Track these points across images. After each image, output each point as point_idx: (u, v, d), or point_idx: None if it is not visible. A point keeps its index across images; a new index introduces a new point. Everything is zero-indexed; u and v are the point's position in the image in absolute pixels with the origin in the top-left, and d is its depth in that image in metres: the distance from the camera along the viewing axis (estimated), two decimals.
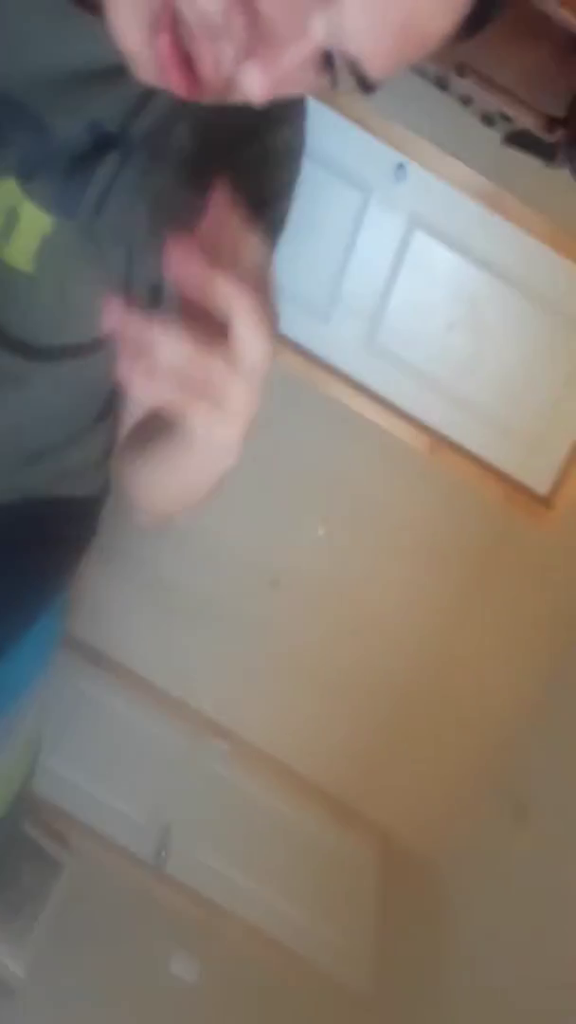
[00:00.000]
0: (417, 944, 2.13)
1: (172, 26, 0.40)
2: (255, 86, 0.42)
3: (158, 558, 2.23)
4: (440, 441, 1.64)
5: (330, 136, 1.40)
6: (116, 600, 2.34)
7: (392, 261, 1.49)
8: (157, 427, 0.61)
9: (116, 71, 0.48)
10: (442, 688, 2.18)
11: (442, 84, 1.19)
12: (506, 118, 1.21)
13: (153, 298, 0.57)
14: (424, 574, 2.04)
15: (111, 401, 0.80)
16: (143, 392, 0.40)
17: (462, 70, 1.10)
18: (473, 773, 2.22)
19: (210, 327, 0.41)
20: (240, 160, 0.56)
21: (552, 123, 1.18)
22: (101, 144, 0.51)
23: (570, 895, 1.69)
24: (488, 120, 1.21)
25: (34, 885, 1.85)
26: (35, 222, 0.53)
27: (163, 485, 0.65)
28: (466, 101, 1.19)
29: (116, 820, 2.07)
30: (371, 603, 2.11)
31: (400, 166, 1.41)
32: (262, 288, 0.41)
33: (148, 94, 0.51)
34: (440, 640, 2.13)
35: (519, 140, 1.25)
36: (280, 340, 0.52)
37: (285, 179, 0.61)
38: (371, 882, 2.30)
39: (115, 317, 0.39)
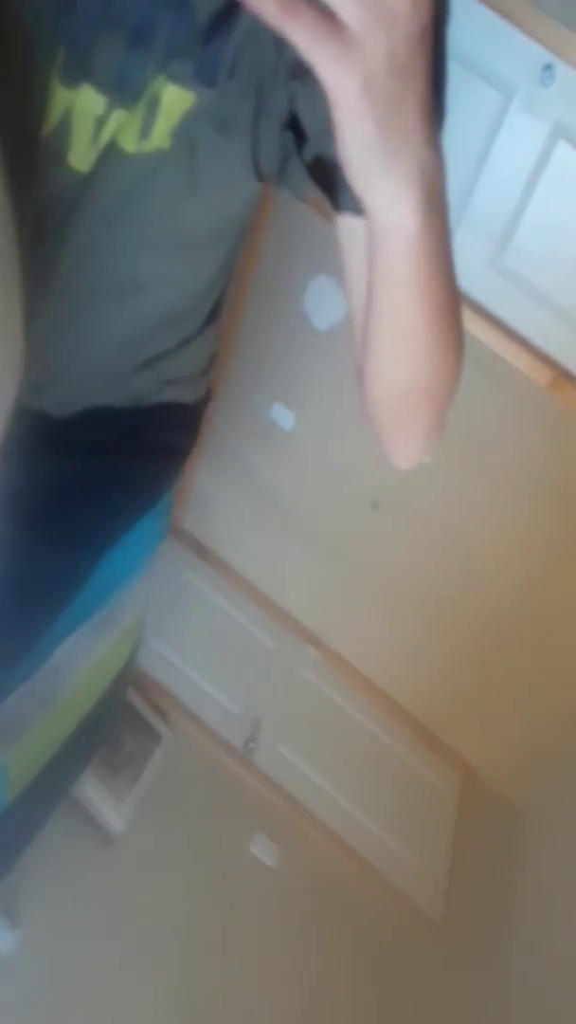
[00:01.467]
0: (489, 879, 2.19)
1: None
2: None
3: (267, 466, 2.28)
4: (563, 377, 1.55)
5: (469, 27, 1.30)
6: (225, 501, 2.43)
7: (530, 173, 1.38)
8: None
9: None
10: (539, 631, 2.15)
11: None
12: None
13: (289, 128, 0.54)
14: (532, 513, 1.99)
15: (217, 308, 0.82)
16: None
17: None
18: (560, 722, 2.21)
19: None
20: None
21: None
22: (236, 4, 0.49)
23: None
24: None
25: (136, 750, 2.04)
26: (177, 102, 0.54)
27: (384, 345, 0.55)
28: None
29: (211, 705, 2.24)
30: (473, 536, 2.08)
31: (548, 67, 1.30)
32: None
33: None
34: (542, 582, 2.08)
35: None
36: None
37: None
38: (450, 811, 2.37)
39: None
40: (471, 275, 1.51)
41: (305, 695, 2.41)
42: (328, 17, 0.34)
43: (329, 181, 0.54)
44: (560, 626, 2.11)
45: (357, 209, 0.52)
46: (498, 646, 2.23)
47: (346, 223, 0.55)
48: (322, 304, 1.87)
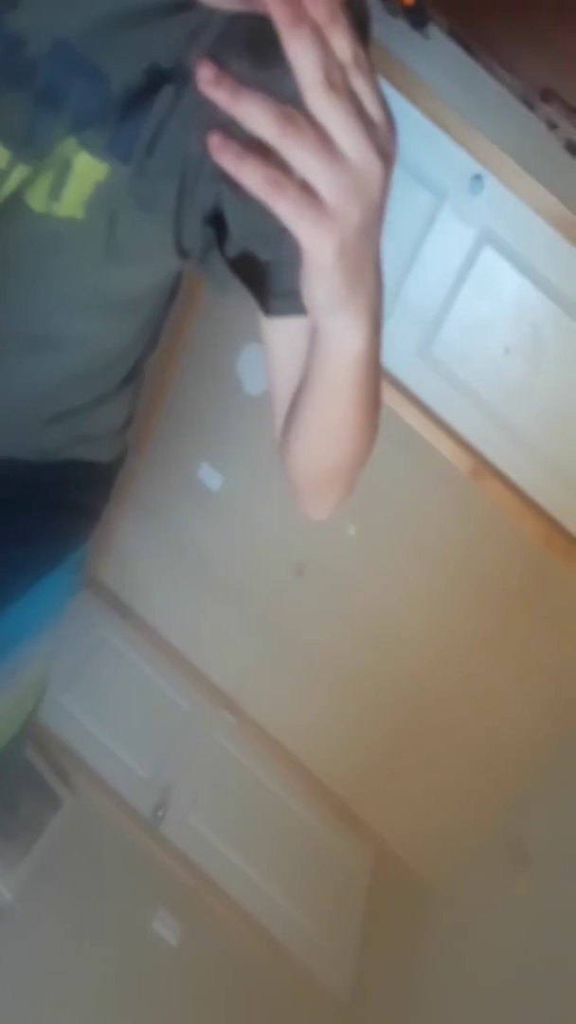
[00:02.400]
0: (398, 958, 2.15)
1: None
2: None
3: (191, 526, 2.28)
4: (483, 466, 1.62)
5: (409, 135, 1.39)
6: (148, 558, 2.41)
7: (457, 273, 1.47)
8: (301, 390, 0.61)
9: (167, 7, 0.50)
10: (454, 710, 2.18)
11: (529, 103, 1.17)
12: None
13: (210, 223, 0.56)
14: (450, 593, 2.03)
15: (137, 367, 0.81)
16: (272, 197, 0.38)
17: (547, 96, 1.08)
18: (475, 802, 2.22)
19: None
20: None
21: None
22: (156, 81, 0.51)
23: (560, 950, 1.66)
24: (572, 149, 1.18)
25: (32, 815, 1.95)
26: (89, 172, 0.54)
27: (313, 430, 0.62)
28: (551, 126, 1.17)
29: (119, 768, 2.15)
30: (393, 611, 2.11)
31: (477, 177, 1.40)
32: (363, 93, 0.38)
33: (202, 23, 0.51)
34: (458, 662, 2.12)
35: None
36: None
37: None
38: (361, 886, 2.32)
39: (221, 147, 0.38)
40: (401, 361, 1.58)
41: (219, 763, 2.35)
42: (308, 189, 0.38)
43: (255, 282, 0.56)
44: (475, 706, 2.14)
45: (286, 312, 0.57)
46: (415, 722, 2.24)
47: (274, 323, 0.59)
48: (255, 369, 1.91)
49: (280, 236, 0.52)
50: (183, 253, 0.59)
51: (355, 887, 2.32)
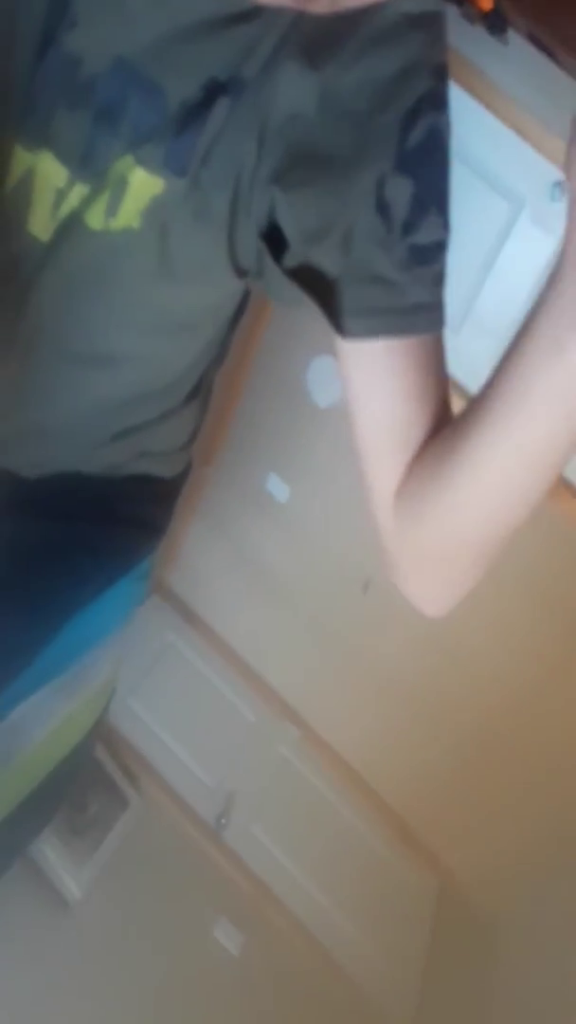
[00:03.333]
0: (463, 990, 2.09)
1: None
2: None
3: (258, 536, 2.27)
4: (561, 485, 1.56)
5: (485, 140, 1.36)
6: (215, 567, 2.41)
7: (535, 282, 1.43)
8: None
9: (224, 20, 0.50)
10: (528, 738, 2.08)
11: None
12: None
13: (265, 236, 0.54)
14: (529, 616, 1.95)
15: (202, 383, 0.81)
16: None
17: None
18: (548, 834, 2.12)
19: None
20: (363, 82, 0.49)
21: None
22: (212, 94, 0.51)
23: None
24: None
25: (101, 814, 1.99)
26: (145, 187, 0.53)
27: (489, 492, 0.49)
28: None
29: (184, 774, 2.18)
30: (466, 632, 2.04)
31: (558, 184, 1.35)
32: None
33: (258, 34, 0.50)
34: (534, 688, 2.03)
35: None
36: None
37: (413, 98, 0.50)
38: (426, 913, 2.27)
39: None
40: (474, 372, 1.54)
41: (282, 775, 2.34)
42: None
43: (324, 296, 0.51)
44: (550, 734, 2.05)
45: (370, 334, 0.51)
46: (485, 748, 2.17)
47: (355, 348, 0.52)
48: (324, 382, 1.90)
49: (345, 244, 0.50)
50: (238, 269, 0.58)
51: (419, 913, 2.27)
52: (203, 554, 2.39)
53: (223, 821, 2.13)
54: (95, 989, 1.69)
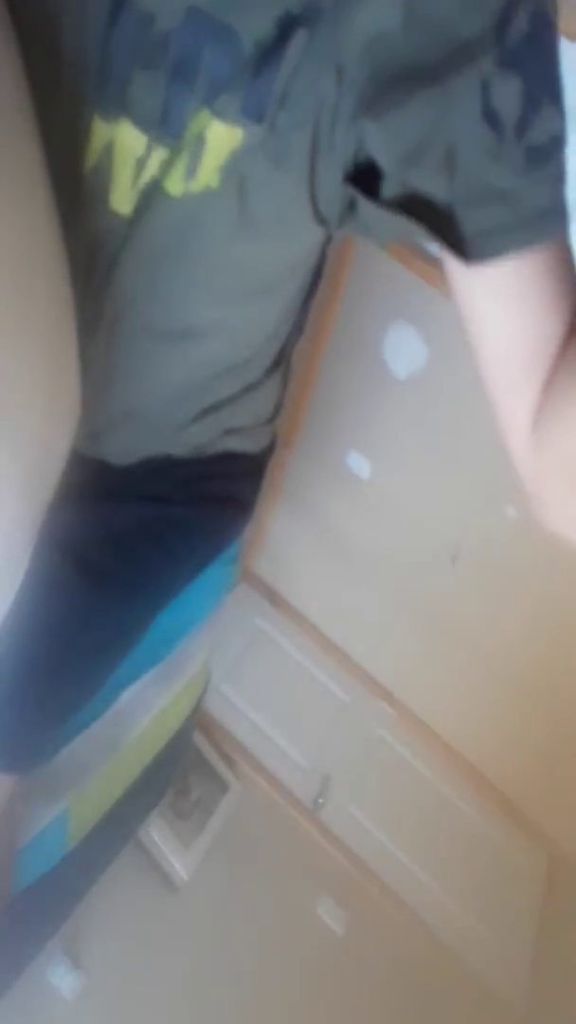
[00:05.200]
0: (574, 965, 2.03)
1: None
2: None
3: (342, 514, 2.24)
4: None
5: None
6: (299, 548, 2.39)
7: None
8: None
9: None
10: None
11: None
12: None
13: (355, 175, 0.50)
14: None
15: (283, 355, 0.79)
16: None
17: None
18: None
19: None
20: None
21: None
22: (288, 28, 0.47)
23: None
24: None
25: (203, 797, 2.02)
26: (223, 141, 0.51)
27: None
28: None
29: (279, 757, 2.19)
30: (560, 596, 1.95)
31: None
32: None
33: None
34: None
35: None
36: None
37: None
38: (535, 892, 2.22)
39: None
40: None
41: (378, 754, 2.32)
42: None
43: (437, 223, 0.48)
44: None
45: (500, 251, 0.47)
46: None
47: (477, 274, 0.49)
48: (401, 352, 1.85)
49: (451, 161, 0.46)
50: (320, 216, 0.55)
51: (528, 892, 2.21)
52: (287, 536, 2.39)
53: (320, 801, 2.13)
54: (203, 969, 1.73)
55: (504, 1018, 1.93)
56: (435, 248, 0.49)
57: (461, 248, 0.47)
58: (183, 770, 1.98)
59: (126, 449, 0.78)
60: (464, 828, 2.27)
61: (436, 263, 1.59)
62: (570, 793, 2.21)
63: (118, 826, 1.50)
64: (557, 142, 0.47)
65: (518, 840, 2.28)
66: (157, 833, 1.87)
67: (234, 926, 1.83)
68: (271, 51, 0.48)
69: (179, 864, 1.86)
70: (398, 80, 0.46)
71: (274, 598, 2.50)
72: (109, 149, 0.54)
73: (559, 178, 0.48)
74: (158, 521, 0.82)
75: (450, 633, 2.19)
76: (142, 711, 1.23)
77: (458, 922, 2.05)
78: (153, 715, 1.28)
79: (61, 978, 1.56)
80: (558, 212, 0.48)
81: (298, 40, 0.47)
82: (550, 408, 0.50)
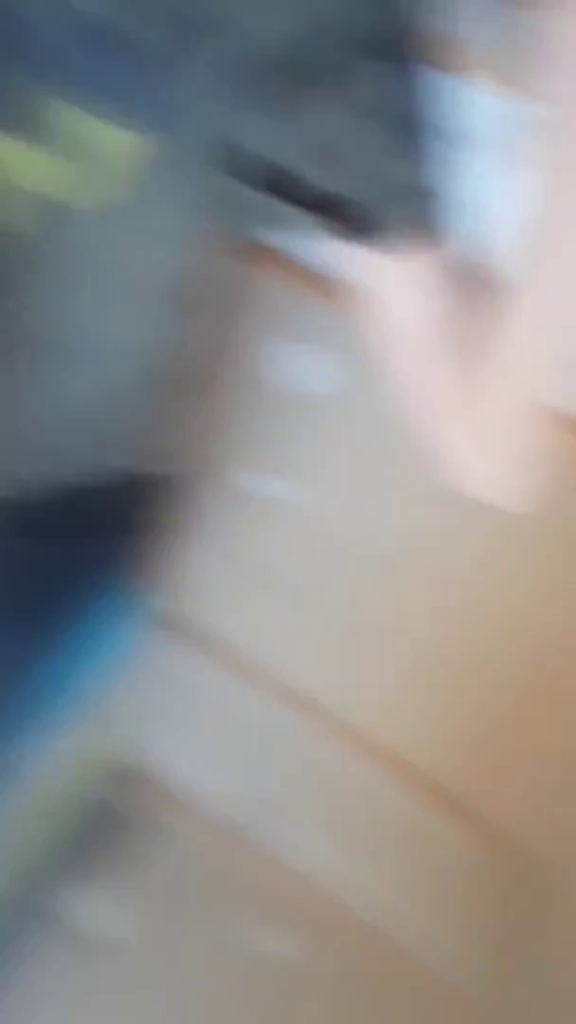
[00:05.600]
0: (525, 950, 2.03)
1: None
2: None
3: (259, 540, 2.17)
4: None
5: None
6: (212, 577, 2.25)
7: None
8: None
9: None
10: (565, 669, 1.98)
11: None
12: None
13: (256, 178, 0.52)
14: (551, 561, 1.88)
15: (184, 374, 0.77)
16: None
17: None
18: None
19: None
20: None
21: None
22: (183, 34, 0.48)
23: None
24: None
25: (133, 850, 1.93)
26: (119, 146, 0.49)
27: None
28: None
29: (211, 791, 2.11)
30: (487, 585, 1.97)
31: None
32: None
33: None
34: (552, 614, 1.94)
35: None
36: None
37: None
38: (478, 877, 2.16)
39: None
40: None
41: (313, 769, 2.26)
42: None
43: (342, 219, 0.52)
44: None
45: (403, 245, 0.52)
46: (525, 700, 2.08)
47: (391, 266, 0.54)
48: (297, 370, 1.85)
49: (348, 161, 0.49)
50: (223, 225, 0.56)
51: (471, 877, 2.24)
52: (199, 567, 2.34)
53: (258, 829, 2.07)
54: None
55: (457, 1005, 1.93)
56: (334, 253, 0.54)
57: (370, 239, 0.52)
58: (106, 827, 1.89)
59: (22, 478, 0.73)
60: (402, 825, 2.25)
61: (335, 276, 1.68)
62: (506, 775, 2.19)
63: (28, 905, 1.39)
64: (447, 135, 0.51)
65: (457, 827, 2.28)
66: (84, 900, 1.76)
67: (185, 973, 1.76)
68: (167, 56, 0.48)
69: (115, 926, 1.76)
70: (295, 82, 0.48)
71: (192, 629, 2.45)
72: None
73: (455, 171, 0.52)
74: (54, 554, 0.77)
75: (376, 637, 2.21)
76: (38, 768, 1.13)
77: (404, 918, 2.03)
78: (56, 772, 1.18)
79: None
80: (451, 204, 0.52)
81: (195, 45, 0.47)
82: (473, 380, 0.55)
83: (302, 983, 1.83)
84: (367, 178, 0.51)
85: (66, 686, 1.07)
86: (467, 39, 1.22)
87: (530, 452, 0.61)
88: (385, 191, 0.51)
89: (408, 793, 2.27)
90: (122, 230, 0.54)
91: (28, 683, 0.83)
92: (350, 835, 2.16)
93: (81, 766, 1.31)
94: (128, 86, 0.48)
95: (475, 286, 0.55)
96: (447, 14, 0.56)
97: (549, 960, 2.02)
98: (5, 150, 0.50)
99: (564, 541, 1.90)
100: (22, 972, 1.53)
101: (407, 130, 0.50)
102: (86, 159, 0.50)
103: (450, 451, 0.59)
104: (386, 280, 0.54)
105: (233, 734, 2.27)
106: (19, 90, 0.49)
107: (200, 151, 0.50)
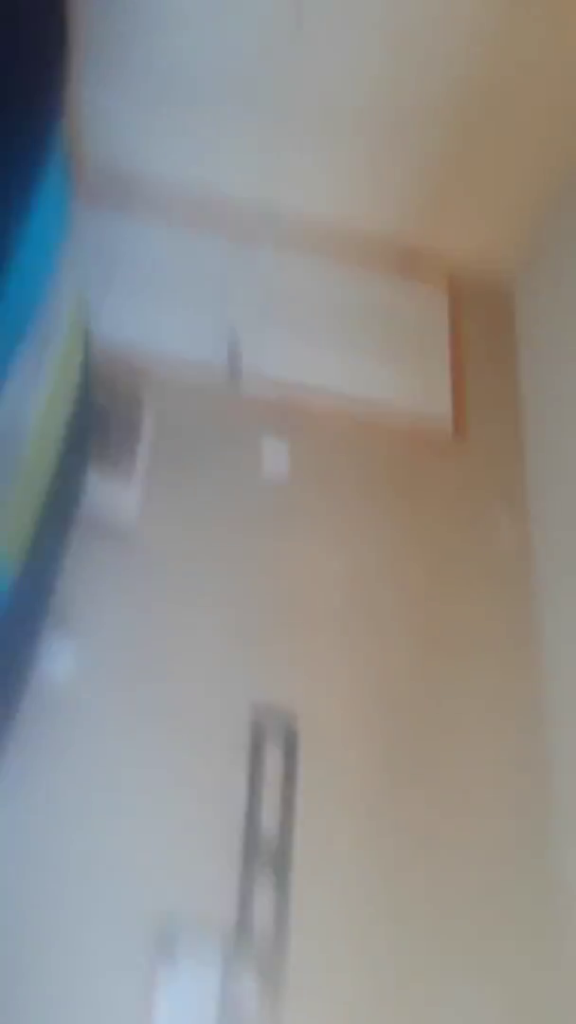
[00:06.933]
0: (495, 384, 2.20)
1: None
2: None
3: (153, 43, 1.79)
4: None
5: None
6: (125, 112, 1.96)
7: None
8: None
9: None
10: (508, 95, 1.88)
11: None
12: None
13: None
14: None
15: None
16: None
17: None
18: (555, 182, 2.06)
19: None
20: None
21: None
22: None
23: None
24: None
25: (123, 434, 1.83)
26: None
27: None
28: None
29: (181, 341, 2.02)
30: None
31: None
32: None
33: None
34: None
35: None
36: None
37: None
38: (443, 323, 2.27)
39: None
40: None
41: (275, 274, 2.18)
42: None
43: None
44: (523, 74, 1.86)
45: None
46: (461, 127, 1.98)
47: None
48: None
49: None
50: None
51: (438, 325, 2.27)
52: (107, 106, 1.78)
53: (236, 363, 2.03)
54: (190, 574, 1.77)
55: (440, 445, 2.11)
56: None
57: None
58: (98, 423, 1.74)
59: None
60: (365, 292, 2.26)
61: None
62: (456, 215, 2.24)
63: (59, 515, 1.31)
64: None
65: (417, 278, 2.31)
66: (95, 491, 1.71)
67: (197, 547, 1.80)
68: None
69: (125, 507, 1.77)
70: None
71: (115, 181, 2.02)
72: None
73: None
74: None
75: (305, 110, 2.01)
76: (29, 409, 0.91)
77: (384, 384, 2.13)
78: (41, 406, 0.97)
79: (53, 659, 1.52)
80: None
81: None
82: None
83: (298, 495, 1.91)
84: None
85: (27, 284, 0.80)
86: None
87: None
88: None
89: (374, 267, 2.26)
90: None
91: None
92: (317, 327, 2.14)
93: (63, 382, 1.09)
94: None
95: None
96: None
97: (516, 390, 2.18)
98: None
99: None
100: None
101: None
102: None
103: None
104: None
105: (183, 271, 2.10)
106: None
107: None
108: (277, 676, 1.68)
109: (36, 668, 1.46)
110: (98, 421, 1.70)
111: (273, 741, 1.61)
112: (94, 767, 1.51)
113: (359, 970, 1.47)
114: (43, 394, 0.93)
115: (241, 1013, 1.34)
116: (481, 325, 2.29)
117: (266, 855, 1.50)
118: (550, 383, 2.07)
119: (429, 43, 1.80)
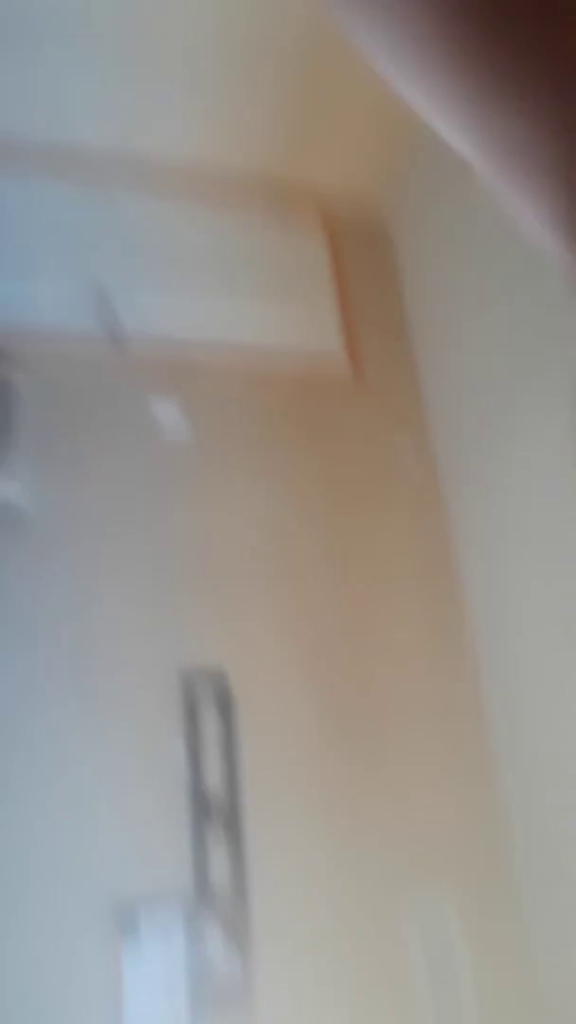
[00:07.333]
0: (384, 315, 2.20)
1: None
2: None
3: None
4: None
5: None
6: None
7: None
8: None
9: None
10: None
11: None
12: None
13: None
14: None
15: None
16: None
17: None
18: (411, 111, 1.94)
19: None
20: None
21: None
22: None
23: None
24: None
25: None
26: None
27: None
28: None
29: (52, 309, 1.89)
30: None
31: None
32: None
33: None
34: None
35: None
36: None
37: None
38: (324, 262, 2.24)
39: None
40: None
41: (141, 228, 2.07)
42: None
43: None
44: None
45: None
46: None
47: None
48: None
49: None
50: None
51: (319, 262, 2.24)
52: None
53: (115, 327, 1.92)
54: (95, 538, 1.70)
55: (335, 383, 2.09)
56: None
57: None
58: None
59: None
60: (244, 241, 2.18)
61: None
62: (325, 149, 2.19)
63: None
64: None
65: (292, 217, 2.25)
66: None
67: (93, 530, 1.73)
68: None
69: (6, 498, 1.68)
70: None
71: None
72: None
73: None
74: None
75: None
76: None
77: (275, 331, 2.07)
78: None
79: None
80: None
81: None
82: None
83: (200, 453, 1.87)
84: None
85: None
86: None
87: None
88: None
89: (246, 210, 2.19)
90: None
91: None
92: (194, 278, 2.06)
93: None
94: None
95: None
96: None
97: (401, 319, 2.19)
98: None
99: None
100: None
101: None
102: None
103: None
104: None
105: (50, 228, 1.95)
106: None
107: None
108: (203, 636, 1.65)
109: None
110: None
111: (207, 701, 1.59)
112: (30, 753, 1.45)
113: (320, 914, 1.47)
114: None
115: (210, 972, 1.32)
116: (361, 260, 2.27)
117: (216, 814, 1.47)
118: (434, 310, 2.09)
119: None
